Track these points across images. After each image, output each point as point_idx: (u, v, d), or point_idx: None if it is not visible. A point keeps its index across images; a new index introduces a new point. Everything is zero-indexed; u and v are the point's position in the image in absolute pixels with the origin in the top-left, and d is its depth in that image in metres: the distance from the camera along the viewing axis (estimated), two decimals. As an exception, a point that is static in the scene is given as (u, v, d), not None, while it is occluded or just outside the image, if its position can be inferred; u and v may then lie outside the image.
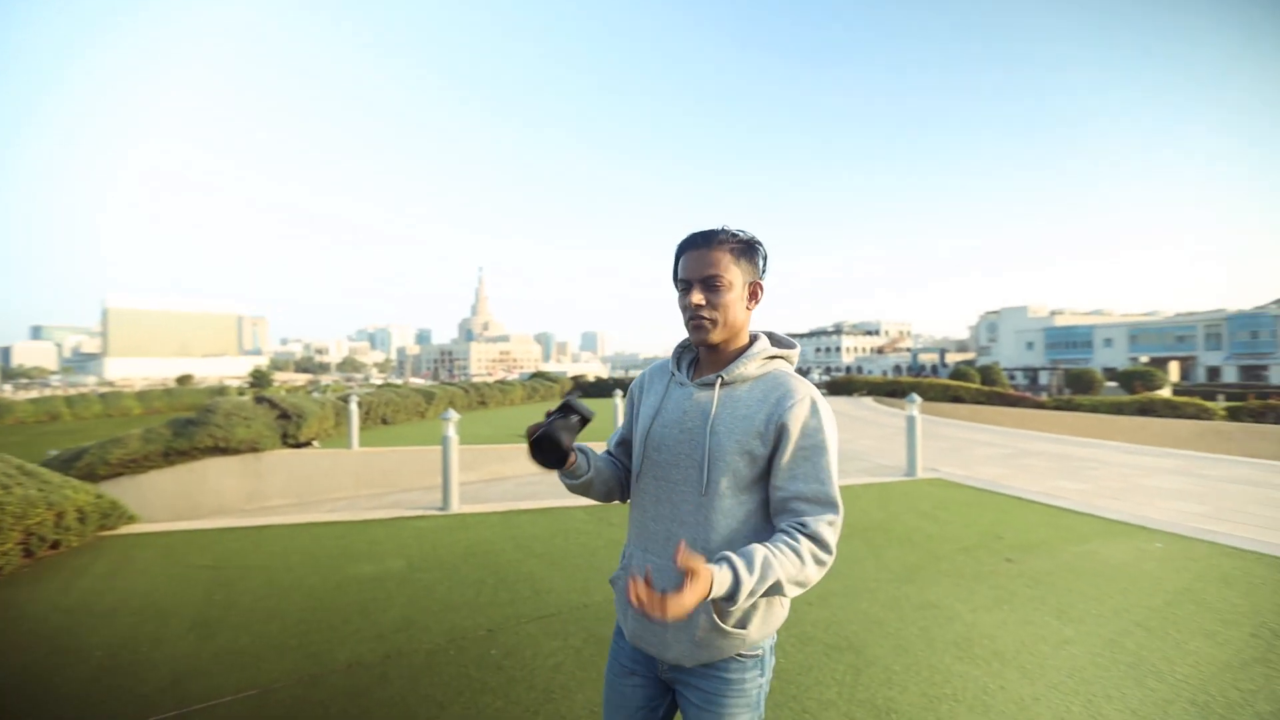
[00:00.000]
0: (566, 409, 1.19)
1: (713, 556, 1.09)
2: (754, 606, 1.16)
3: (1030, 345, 68.23)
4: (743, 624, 1.16)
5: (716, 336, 1.20)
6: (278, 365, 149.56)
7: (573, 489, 1.27)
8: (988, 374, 30.74)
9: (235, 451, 7.51)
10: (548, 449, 1.17)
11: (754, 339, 1.26)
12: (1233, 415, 16.16)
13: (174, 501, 7.04)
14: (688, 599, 0.91)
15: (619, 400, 10.69)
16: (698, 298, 1.17)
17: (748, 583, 1.00)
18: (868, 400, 21.30)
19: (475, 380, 28.08)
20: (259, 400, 9.24)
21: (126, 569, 4.21)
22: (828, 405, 1.18)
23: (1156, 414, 16.39)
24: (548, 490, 7.32)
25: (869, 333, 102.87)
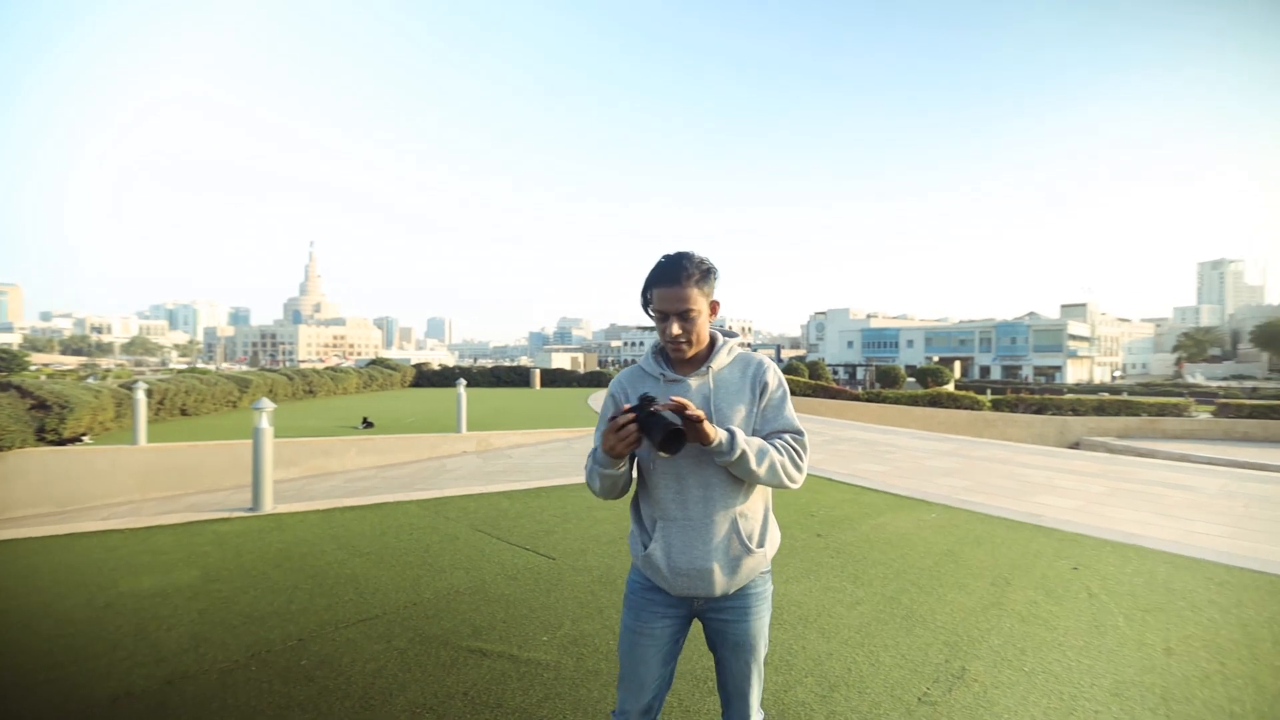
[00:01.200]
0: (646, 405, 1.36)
1: (746, 491, 1.51)
2: (765, 529, 1.54)
3: (850, 344, 77.11)
4: (761, 543, 1.52)
5: (692, 352, 1.53)
6: (35, 345, 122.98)
7: (608, 480, 1.47)
8: (814, 369, 34.15)
9: (-35, 450, 6.04)
10: (674, 440, 1.32)
11: (714, 339, 1.59)
12: (995, 406, 19.62)
13: None
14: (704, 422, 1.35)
15: (462, 389, 10.26)
16: (676, 329, 1.47)
17: (741, 435, 1.41)
18: (711, 392, 22.58)
19: (303, 366, 25.36)
20: (2, 387, 7.52)
21: None
22: (775, 365, 1.60)
23: (942, 405, 19.35)
24: (381, 485, 6.84)
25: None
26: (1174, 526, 4.92)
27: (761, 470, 1.41)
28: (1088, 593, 3.45)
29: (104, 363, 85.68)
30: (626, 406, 1.39)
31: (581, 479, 6.46)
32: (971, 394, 20.60)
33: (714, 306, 1.53)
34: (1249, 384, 47.28)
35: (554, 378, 26.93)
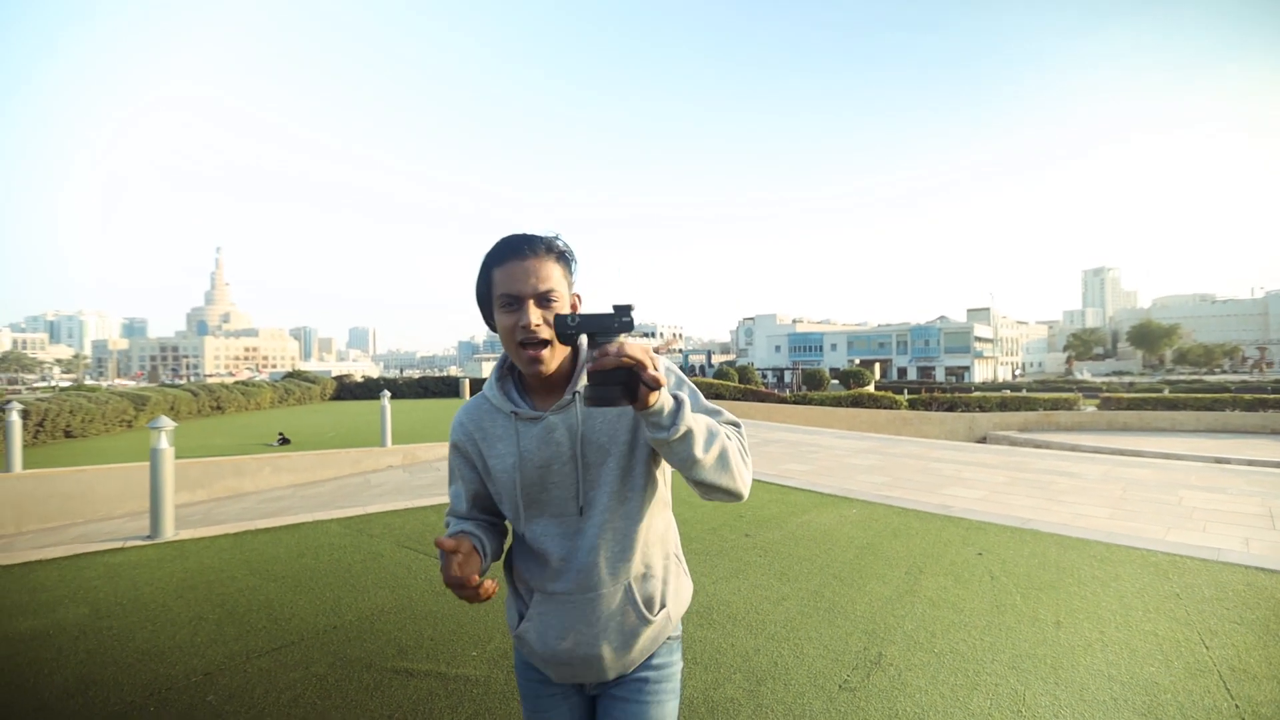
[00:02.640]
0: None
1: (643, 548, 1.15)
2: (667, 582, 1.19)
3: (778, 348, 79.84)
4: (664, 602, 1.18)
5: (554, 364, 1.08)
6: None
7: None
8: (744, 373, 35.11)
9: None
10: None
11: (577, 350, 1.17)
12: (912, 405, 20.83)
13: None
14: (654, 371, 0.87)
15: (386, 401, 9.88)
16: (534, 317, 1.04)
17: (689, 404, 0.98)
18: (645, 398, 22.78)
19: (210, 381, 23.62)
20: None
21: None
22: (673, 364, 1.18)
23: (864, 406, 20.33)
24: (299, 504, 6.49)
25: (647, 334, 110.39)
26: (1063, 510, 5.39)
27: (709, 458, 1.00)
28: (990, 575, 3.72)
29: (-29, 381, 76.49)
30: (451, 548, 0.99)
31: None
32: (890, 394, 21.77)
33: (576, 303, 1.14)
34: (1127, 379, 52.46)
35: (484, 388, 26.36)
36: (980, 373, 67.87)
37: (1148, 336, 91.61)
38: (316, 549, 4.42)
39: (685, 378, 1.17)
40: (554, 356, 1.08)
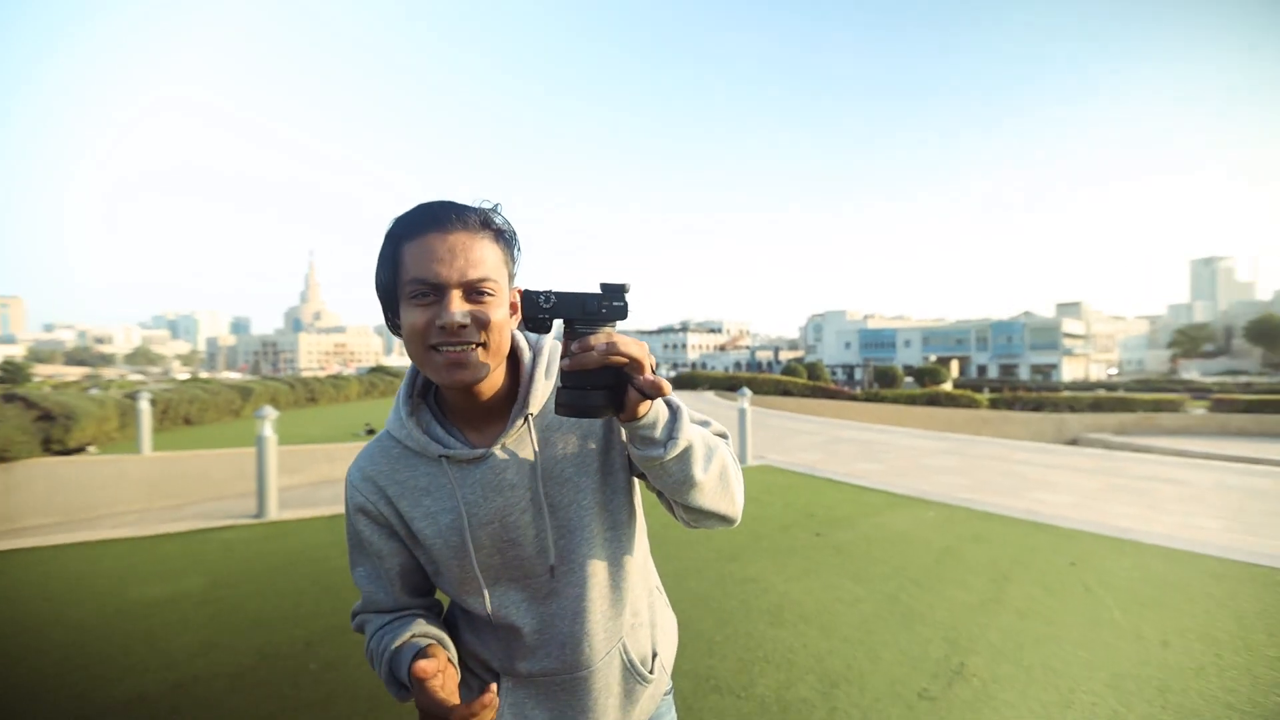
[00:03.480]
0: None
1: (631, 596, 0.92)
2: (653, 623, 0.97)
3: (848, 345, 77.29)
4: (655, 650, 0.96)
5: (485, 372, 0.78)
6: (39, 356, 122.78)
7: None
8: (813, 370, 34.25)
9: (-29, 462, 6.08)
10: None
11: (514, 349, 0.87)
12: (992, 405, 19.73)
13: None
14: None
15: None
16: (458, 311, 0.73)
17: (686, 413, 0.77)
18: (709, 394, 22.71)
19: (304, 375, 25.40)
20: (9, 399, 7.56)
21: None
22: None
23: (940, 404, 19.44)
24: (384, 492, 6.88)
25: (712, 331, 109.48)
26: (1169, 521, 4.97)
27: (709, 478, 0.79)
28: (1084, 588, 3.49)
29: (107, 373, 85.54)
30: (429, 673, 0.70)
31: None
32: (969, 393, 20.70)
33: (516, 302, 0.81)
34: (1243, 379, 47.45)
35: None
36: (1070, 371, 63.19)
37: (1268, 332, 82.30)
38: (402, 533, 4.69)
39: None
40: (486, 361, 0.77)
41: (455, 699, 0.73)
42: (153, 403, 10.59)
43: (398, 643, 0.84)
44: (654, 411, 0.72)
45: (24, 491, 6.38)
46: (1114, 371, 75.84)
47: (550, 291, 0.69)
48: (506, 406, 0.86)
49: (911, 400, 19.82)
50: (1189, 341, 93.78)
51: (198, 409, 12.45)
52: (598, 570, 0.87)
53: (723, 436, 0.90)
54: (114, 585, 3.67)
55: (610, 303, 0.68)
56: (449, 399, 0.86)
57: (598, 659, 0.87)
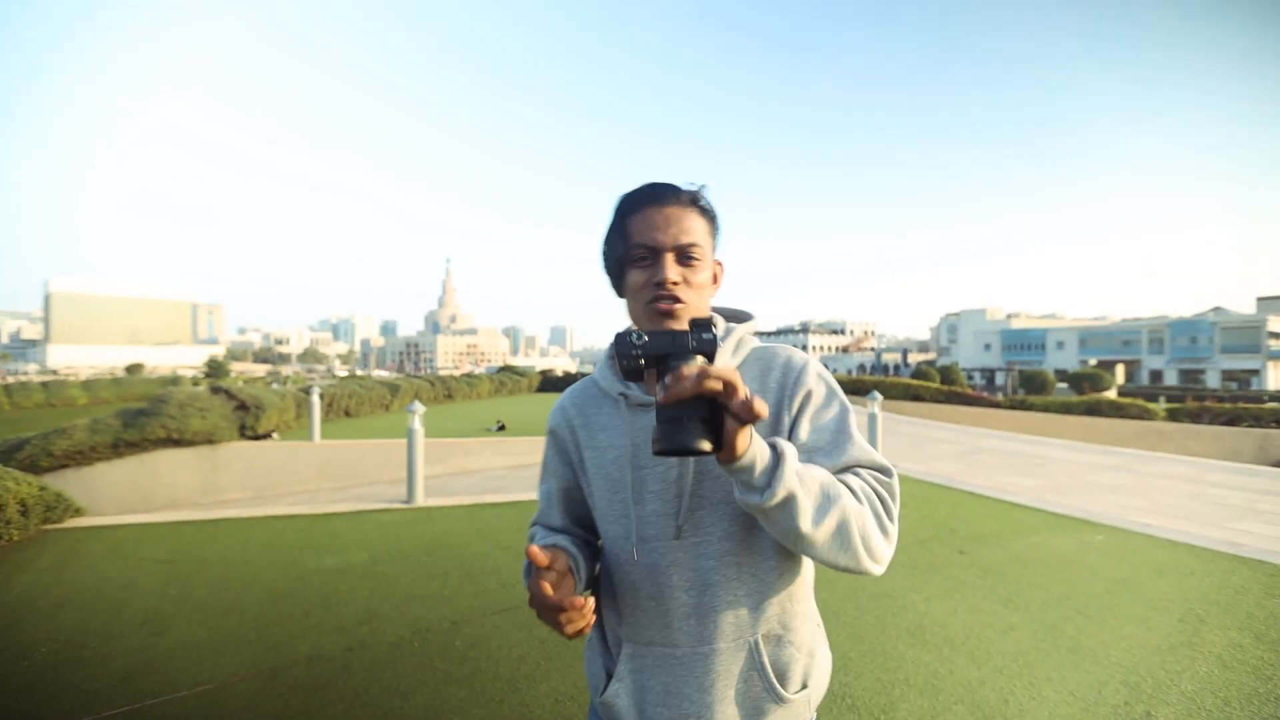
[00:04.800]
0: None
1: (781, 601, 0.89)
2: (811, 655, 0.92)
3: (988, 347, 70.51)
4: (805, 682, 0.91)
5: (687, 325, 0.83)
6: (235, 355, 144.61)
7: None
8: (947, 374, 31.66)
9: (190, 443, 7.26)
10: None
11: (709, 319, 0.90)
12: (1172, 416, 17.01)
13: (124, 495, 6.78)
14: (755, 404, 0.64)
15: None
16: (672, 271, 0.86)
17: (792, 458, 0.72)
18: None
19: (442, 373, 27.71)
20: (215, 391, 8.95)
21: (73, 563, 4.05)
22: (823, 366, 0.95)
23: (1103, 414, 17.13)
24: (514, 484, 7.30)
25: (834, 332, 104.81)
26: None
27: (821, 533, 0.74)
28: (1312, 639, 2.91)
29: (284, 370, 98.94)
30: (546, 563, 0.76)
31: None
32: (1140, 401, 18.00)
33: (718, 271, 0.96)
34: None
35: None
36: (1276, 378, 53.01)
37: None
38: (532, 524, 4.94)
39: (836, 390, 0.91)
40: (691, 313, 0.87)
41: (561, 595, 0.76)
42: (321, 396, 12.03)
43: (539, 540, 0.97)
44: (752, 452, 0.69)
45: (226, 470, 7.51)
46: (1339, 379, 62.52)
47: (641, 331, 0.72)
48: None
49: (1066, 409, 17.65)
50: None
51: (355, 403, 14.00)
52: (732, 550, 0.86)
53: (881, 470, 0.85)
54: (296, 554, 4.20)
55: (701, 336, 0.69)
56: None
57: (720, 641, 0.86)
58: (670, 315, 0.86)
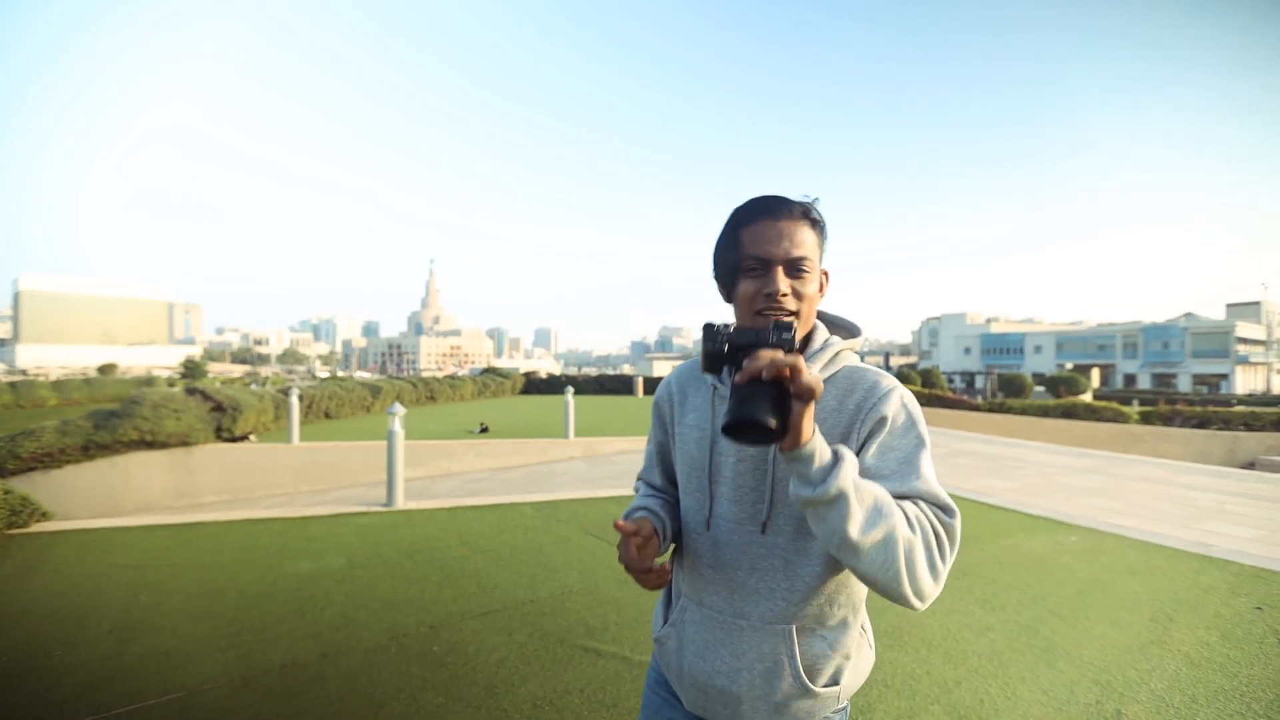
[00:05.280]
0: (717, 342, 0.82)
1: (798, 611, 0.93)
2: (847, 656, 0.97)
3: (968, 350, 71.54)
4: (835, 679, 0.95)
5: (799, 332, 0.93)
6: (212, 356, 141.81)
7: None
8: (928, 377, 32.00)
9: (163, 445, 7.11)
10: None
11: (812, 332, 1.00)
12: (1145, 419, 17.37)
13: (94, 498, 6.61)
14: (810, 380, 0.72)
15: (570, 396, 10.64)
16: (782, 284, 0.91)
17: (851, 463, 0.77)
18: (815, 400, 21.88)
19: (424, 375, 27.45)
20: (190, 392, 8.78)
21: (39, 568, 3.94)
22: (914, 398, 0.95)
23: (1078, 417, 17.44)
24: (496, 486, 7.25)
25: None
26: (1392, 566, 4.13)
27: (866, 542, 0.77)
28: (1276, 637, 2.98)
29: (264, 371, 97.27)
30: (631, 531, 0.91)
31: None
32: (1114, 405, 18.36)
33: (824, 280, 0.99)
34: None
35: (655, 386, 27.24)
36: (1245, 382, 54.37)
37: None
38: (513, 528, 4.91)
39: (916, 422, 0.91)
40: (799, 324, 0.93)
41: (644, 557, 0.93)
42: (300, 398, 11.85)
43: (633, 506, 1.08)
44: (814, 444, 0.75)
45: (201, 473, 7.37)
46: (1304, 384, 64.37)
47: (728, 325, 0.82)
48: None
49: (1044, 411, 17.95)
50: None
51: (335, 404, 13.79)
52: (786, 548, 0.93)
53: (943, 509, 0.86)
54: (272, 559, 4.13)
55: (781, 334, 0.77)
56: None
57: (758, 620, 0.94)
58: None
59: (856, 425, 0.91)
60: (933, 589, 0.82)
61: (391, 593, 3.53)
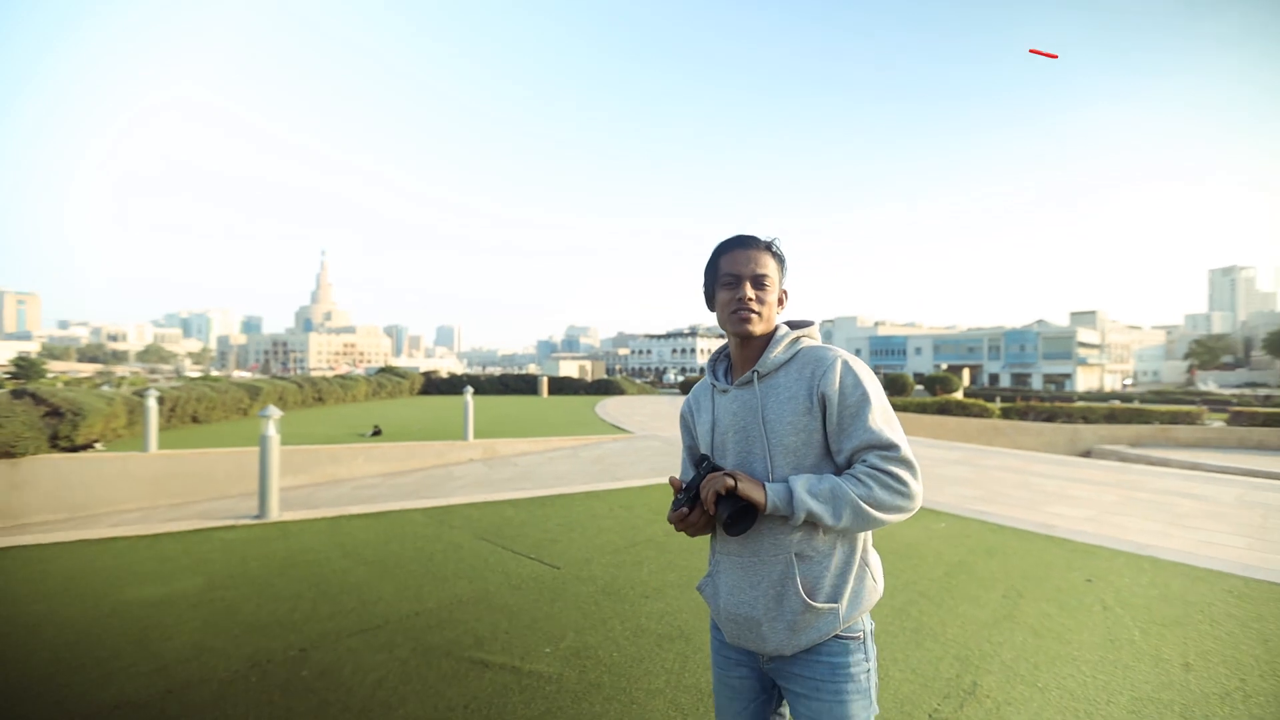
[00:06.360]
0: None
1: (792, 540, 1.24)
2: (842, 579, 1.23)
3: (858, 351, 76.78)
4: (833, 597, 1.23)
5: (758, 329, 1.28)
6: (53, 353, 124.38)
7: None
8: (822, 376, 33.92)
9: (-21, 457, 6.09)
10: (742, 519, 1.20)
11: (774, 330, 1.33)
12: (1005, 414, 19.42)
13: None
14: (747, 485, 1.17)
15: (469, 397, 10.27)
16: (749, 291, 1.27)
17: (801, 486, 1.16)
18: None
19: (314, 374, 25.51)
20: (18, 395, 7.59)
21: None
22: (861, 362, 1.27)
23: (951, 413, 19.19)
24: (388, 492, 6.85)
25: (721, 335, 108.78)
26: (1189, 537, 4.82)
27: (844, 522, 1.16)
28: (1102, 605, 3.38)
29: (119, 370, 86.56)
30: (679, 487, 1.27)
31: (590, 487, 6.43)
32: (981, 402, 20.39)
33: (782, 297, 1.35)
34: (1263, 392, 46.59)
35: (561, 386, 26.93)
36: (1084, 381, 62.29)
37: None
38: (402, 536, 4.64)
39: (861, 380, 1.23)
40: (759, 324, 1.28)
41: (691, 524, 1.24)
42: (160, 400, 10.63)
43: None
44: (771, 502, 1.17)
45: (30, 488, 6.39)
46: (1129, 382, 74.69)
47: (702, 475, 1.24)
48: (753, 364, 1.31)
49: (921, 408, 19.60)
50: (1207, 353, 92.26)
51: (205, 407, 12.47)
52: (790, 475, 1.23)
53: (885, 448, 1.18)
54: (110, 585, 3.63)
55: (705, 463, 1.28)
56: (732, 354, 1.37)
57: (766, 554, 1.24)
58: (747, 321, 1.27)
59: (812, 395, 1.23)
60: (907, 502, 1.17)
61: (256, 614, 3.20)
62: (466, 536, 4.64)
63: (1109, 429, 17.44)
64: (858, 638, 1.25)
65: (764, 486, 1.17)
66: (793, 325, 1.36)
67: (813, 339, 1.35)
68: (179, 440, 9.82)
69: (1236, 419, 17.79)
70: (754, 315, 1.27)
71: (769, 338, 1.32)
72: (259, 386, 15.11)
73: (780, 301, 1.34)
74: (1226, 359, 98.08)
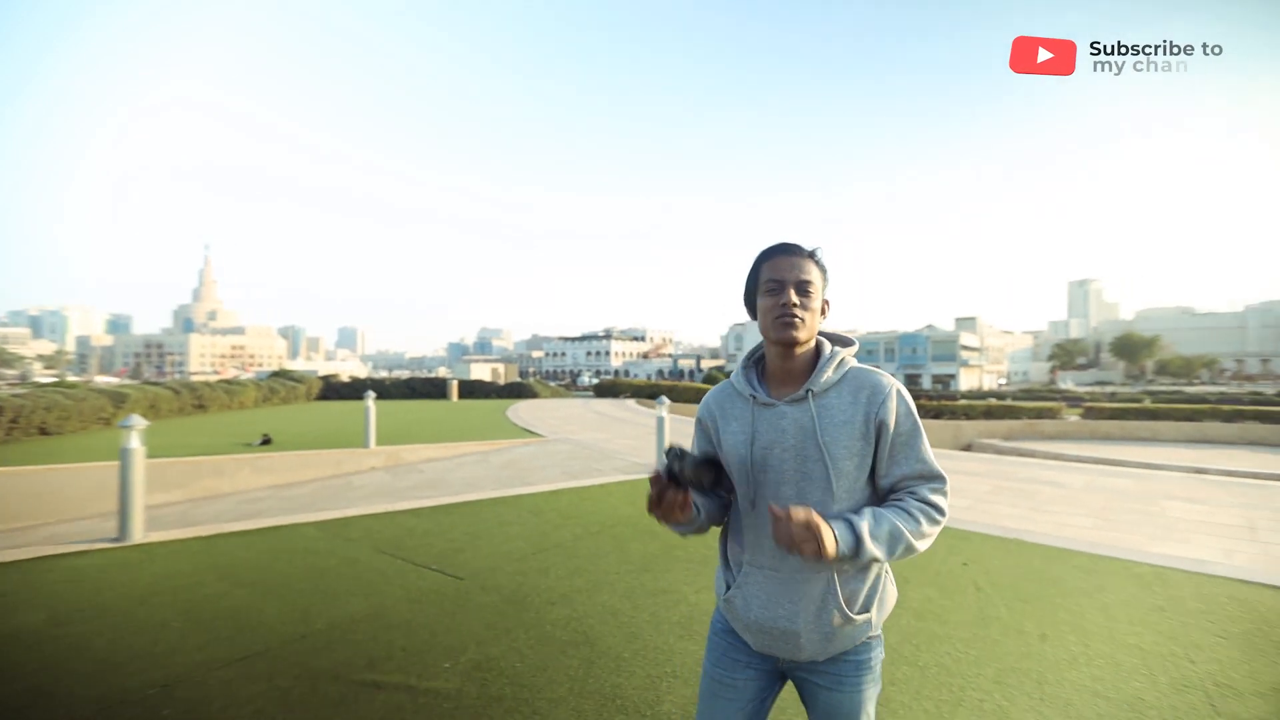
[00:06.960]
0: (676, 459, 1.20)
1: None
2: (875, 589, 1.27)
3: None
4: (866, 608, 1.26)
5: (803, 336, 1.26)
6: None
7: (683, 533, 1.33)
8: (733, 378, 35.12)
9: None
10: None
11: (819, 345, 1.32)
12: (897, 412, 20.86)
13: None
14: (827, 536, 1.10)
15: (370, 402, 9.74)
16: (793, 297, 1.24)
17: (866, 529, 1.15)
18: (630, 402, 22.64)
19: (194, 379, 23.25)
20: None
21: None
22: (906, 391, 1.30)
23: (850, 411, 20.33)
24: (276, 506, 6.34)
25: (636, 339, 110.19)
26: (1047, 520, 5.38)
27: (895, 557, 1.19)
28: (975, 587, 3.69)
29: (-53, 376, 74.89)
30: (653, 475, 1.21)
31: (499, 493, 6.26)
32: (877, 401, 21.78)
33: (826, 306, 1.32)
34: (1109, 389, 53.00)
35: (473, 389, 26.18)
36: (966, 381, 68.44)
37: (1129, 347, 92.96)
38: (290, 553, 4.31)
39: (911, 411, 1.27)
40: (802, 331, 1.25)
41: (668, 506, 1.20)
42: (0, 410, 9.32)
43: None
44: (840, 549, 1.12)
45: None
46: (1004, 382, 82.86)
47: (674, 452, 1.20)
48: (802, 378, 1.29)
49: (824, 408, 20.62)
50: (1065, 355, 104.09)
51: (56, 417, 11.02)
52: (824, 513, 1.18)
53: (935, 479, 1.26)
54: (-78, 627, 3.11)
55: (670, 455, 1.20)
56: (769, 364, 1.34)
57: (807, 569, 1.23)
58: (791, 327, 1.24)
59: (870, 420, 1.24)
60: (938, 529, 1.23)
61: (111, 650, 2.86)
62: (364, 550, 4.38)
63: (987, 424, 19.16)
64: (878, 635, 1.33)
65: (833, 531, 1.12)
66: (831, 338, 1.36)
67: (853, 360, 1.35)
68: (22, 455, 8.64)
69: (1088, 414, 20.09)
70: (798, 321, 1.24)
71: (815, 353, 1.31)
72: (125, 393, 13.61)
73: (823, 311, 1.31)
74: (1081, 360, 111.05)
